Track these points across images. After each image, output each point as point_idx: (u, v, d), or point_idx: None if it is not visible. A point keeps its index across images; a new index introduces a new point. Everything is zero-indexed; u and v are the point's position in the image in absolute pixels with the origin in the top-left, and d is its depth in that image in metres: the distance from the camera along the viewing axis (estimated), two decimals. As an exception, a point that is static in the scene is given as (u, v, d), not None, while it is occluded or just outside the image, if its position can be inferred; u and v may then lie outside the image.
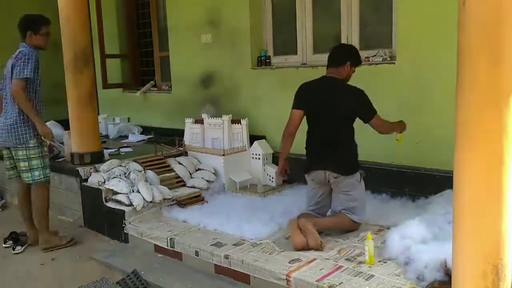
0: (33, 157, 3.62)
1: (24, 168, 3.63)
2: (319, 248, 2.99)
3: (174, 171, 4.48)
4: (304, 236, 3.02)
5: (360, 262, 2.79)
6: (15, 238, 3.80)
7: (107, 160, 4.38)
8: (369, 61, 4.12)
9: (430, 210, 3.28)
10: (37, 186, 3.68)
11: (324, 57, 4.59)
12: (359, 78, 4.15)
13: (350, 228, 3.27)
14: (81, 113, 4.31)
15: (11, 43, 3.76)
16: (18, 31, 3.67)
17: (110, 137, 6.20)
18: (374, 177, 3.96)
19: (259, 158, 4.62)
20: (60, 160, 4.63)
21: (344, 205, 3.24)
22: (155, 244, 3.52)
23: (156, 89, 6.39)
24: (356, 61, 3.36)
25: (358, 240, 3.13)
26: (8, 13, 6.52)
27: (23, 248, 3.76)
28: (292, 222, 3.16)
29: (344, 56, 3.34)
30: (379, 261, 2.79)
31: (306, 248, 2.99)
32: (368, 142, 4.12)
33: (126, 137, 6.07)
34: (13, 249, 3.74)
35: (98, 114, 5.23)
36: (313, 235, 3.01)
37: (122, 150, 5.21)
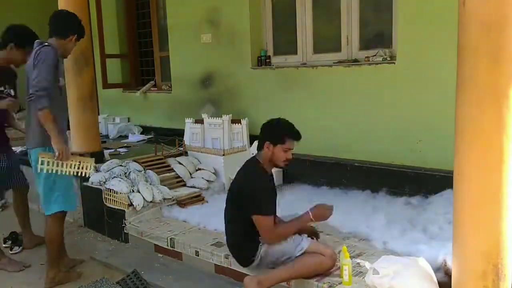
0: None
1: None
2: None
3: (174, 171, 4.47)
4: None
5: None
6: (15, 238, 3.80)
7: (107, 160, 4.38)
8: (369, 61, 4.12)
9: (430, 210, 3.29)
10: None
11: (324, 57, 4.62)
12: (359, 78, 4.18)
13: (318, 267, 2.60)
14: (81, 113, 4.31)
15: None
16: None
17: (110, 137, 6.21)
18: (374, 176, 3.98)
19: (259, 158, 4.60)
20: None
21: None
22: (155, 244, 3.53)
23: (156, 89, 6.39)
24: (274, 140, 2.68)
25: (358, 240, 3.13)
26: (8, 12, 6.56)
27: (20, 248, 3.76)
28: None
29: (261, 135, 2.74)
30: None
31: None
32: (368, 142, 4.14)
33: (126, 137, 6.08)
34: (11, 249, 3.74)
35: (98, 114, 5.23)
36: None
37: (122, 150, 5.22)
